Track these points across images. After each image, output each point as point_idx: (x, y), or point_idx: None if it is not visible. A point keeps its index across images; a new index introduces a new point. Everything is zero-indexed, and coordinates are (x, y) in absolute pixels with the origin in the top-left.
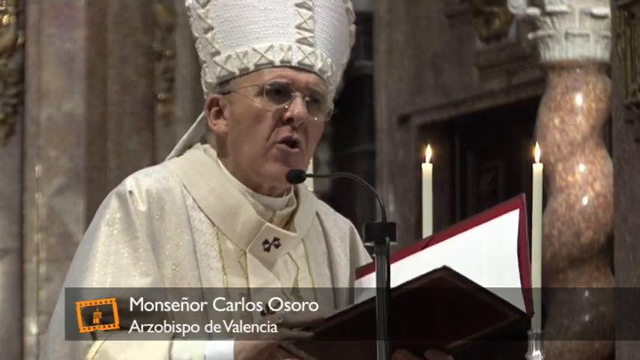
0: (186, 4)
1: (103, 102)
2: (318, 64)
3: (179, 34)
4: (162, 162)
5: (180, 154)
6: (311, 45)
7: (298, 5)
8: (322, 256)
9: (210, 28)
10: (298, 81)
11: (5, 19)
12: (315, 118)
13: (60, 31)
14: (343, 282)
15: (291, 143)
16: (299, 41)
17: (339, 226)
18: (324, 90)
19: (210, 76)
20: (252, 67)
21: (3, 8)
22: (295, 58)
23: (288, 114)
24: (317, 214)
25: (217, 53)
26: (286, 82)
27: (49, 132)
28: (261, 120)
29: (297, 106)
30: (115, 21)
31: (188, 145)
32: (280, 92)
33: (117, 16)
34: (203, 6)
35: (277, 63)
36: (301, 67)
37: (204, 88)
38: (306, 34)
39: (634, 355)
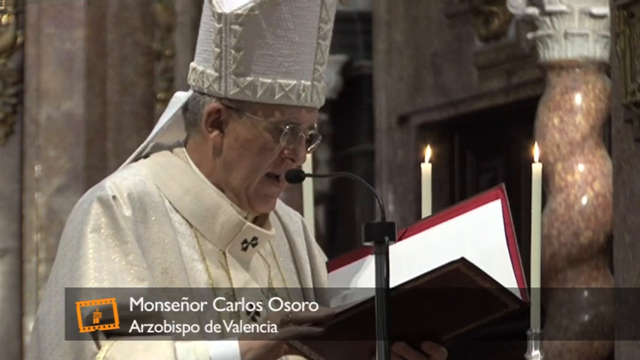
0: (219, 10)
1: (103, 102)
2: (323, 100)
3: (178, 34)
4: (128, 164)
5: (143, 153)
6: (320, 79)
7: (320, 38)
8: (286, 251)
9: (239, 48)
10: (306, 122)
11: (5, 18)
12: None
13: (59, 30)
14: (308, 276)
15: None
16: (315, 79)
17: (294, 220)
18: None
19: (220, 87)
20: (271, 101)
21: (2, 8)
22: (310, 98)
23: (294, 157)
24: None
25: (239, 74)
26: (298, 123)
27: (49, 132)
28: (267, 153)
29: (302, 149)
30: (115, 21)
31: (157, 146)
32: (291, 131)
33: (116, 16)
34: (241, 24)
35: (295, 103)
36: (311, 107)
37: (203, 88)
38: (320, 69)
39: (633, 354)
